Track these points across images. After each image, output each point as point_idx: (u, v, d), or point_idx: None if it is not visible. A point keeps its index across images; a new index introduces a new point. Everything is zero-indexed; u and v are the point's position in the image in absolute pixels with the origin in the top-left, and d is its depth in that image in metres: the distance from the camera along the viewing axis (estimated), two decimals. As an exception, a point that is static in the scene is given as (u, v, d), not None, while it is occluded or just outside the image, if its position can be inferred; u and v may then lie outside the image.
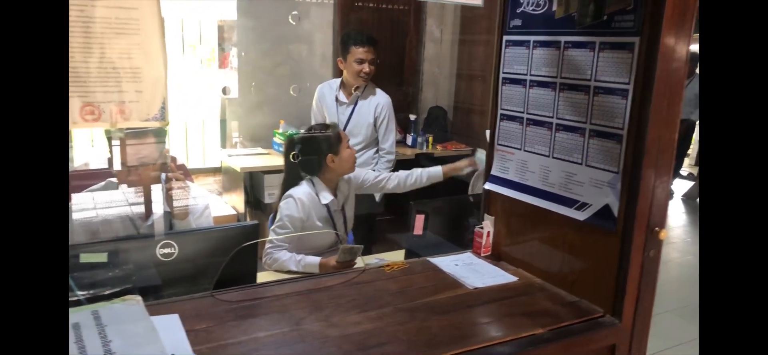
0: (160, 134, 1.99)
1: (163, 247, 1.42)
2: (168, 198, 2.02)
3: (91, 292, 1.32)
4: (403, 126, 5.03)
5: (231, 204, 4.22)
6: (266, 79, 4.46)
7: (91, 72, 1.18)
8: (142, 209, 2.04)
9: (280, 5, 4.39)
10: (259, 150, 4.37)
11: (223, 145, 4.50)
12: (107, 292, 1.33)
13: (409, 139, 4.86)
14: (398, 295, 1.47)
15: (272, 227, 2.26)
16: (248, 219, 4.11)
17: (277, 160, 4.13)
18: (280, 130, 4.35)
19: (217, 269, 1.46)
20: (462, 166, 2.67)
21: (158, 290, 1.41)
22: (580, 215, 1.46)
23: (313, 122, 3.67)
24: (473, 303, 1.45)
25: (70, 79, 1.17)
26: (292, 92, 4.21)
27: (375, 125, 3.34)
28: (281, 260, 2.15)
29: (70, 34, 1.15)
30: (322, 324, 1.30)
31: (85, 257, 1.35)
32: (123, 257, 1.39)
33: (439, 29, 5.19)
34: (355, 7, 4.75)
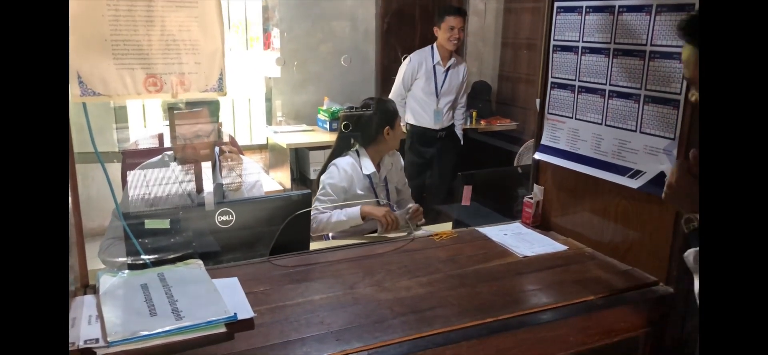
0: (214, 109, 2.05)
1: (221, 214, 1.48)
2: (221, 171, 2.08)
3: (156, 256, 1.39)
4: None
5: (277, 180, 4.31)
6: (309, 58, 4.50)
7: (153, 45, 1.23)
8: (195, 182, 2.12)
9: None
10: (304, 127, 4.44)
11: (269, 123, 4.58)
12: (170, 256, 1.40)
13: (453, 114, 4.83)
14: (448, 262, 1.48)
15: (316, 196, 2.31)
16: (294, 194, 4.19)
17: (322, 137, 4.19)
18: (324, 107, 4.41)
19: (272, 236, 1.51)
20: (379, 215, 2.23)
21: (217, 256, 1.47)
22: (634, 183, 1.43)
23: (397, 90, 3.89)
24: (523, 271, 1.46)
25: (134, 53, 1.23)
26: (343, 63, 4.30)
27: (460, 85, 3.93)
28: (325, 219, 2.20)
29: (134, 8, 1.21)
30: (374, 288, 1.33)
31: (149, 224, 1.42)
32: (184, 224, 1.45)
33: (483, 1, 5.10)
34: (397, -18, 4.73)
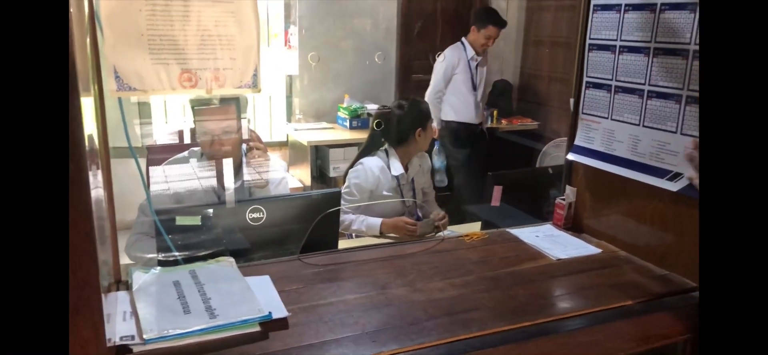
0: (240, 105, 2.05)
1: (252, 212, 1.47)
2: (249, 167, 2.07)
3: (187, 253, 1.39)
4: (468, 100, 4.98)
5: (298, 177, 4.31)
6: (330, 55, 4.50)
7: (189, 40, 1.22)
8: (224, 177, 2.11)
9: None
10: (324, 124, 4.43)
11: (289, 120, 4.58)
12: (201, 253, 1.39)
13: (473, 114, 4.80)
14: (480, 264, 1.46)
15: (342, 193, 2.31)
16: (314, 192, 4.19)
17: (342, 135, 4.18)
18: (345, 105, 4.40)
19: (302, 234, 1.50)
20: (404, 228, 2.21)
21: (248, 253, 1.46)
22: (673, 186, 1.40)
23: (437, 86, 3.93)
24: (557, 273, 1.43)
25: (169, 48, 1.22)
26: (376, 60, 4.33)
27: (485, 79, 4.08)
28: (346, 222, 2.20)
29: (170, 3, 1.20)
30: (407, 289, 1.31)
31: (181, 220, 1.41)
32: (214, 220, 1.44)
33: None
34: (419, -21, 4.70)
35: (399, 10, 4.66)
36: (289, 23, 4.48)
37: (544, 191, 1.89)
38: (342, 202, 2.28)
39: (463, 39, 3.94)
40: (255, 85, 1.30)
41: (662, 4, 1.39)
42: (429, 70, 5.03)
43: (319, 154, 4.26)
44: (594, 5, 1.58)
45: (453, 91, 3.91)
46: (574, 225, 1.72)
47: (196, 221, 1.42)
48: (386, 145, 2.36)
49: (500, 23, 3.88)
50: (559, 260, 1.49)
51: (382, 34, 4.67)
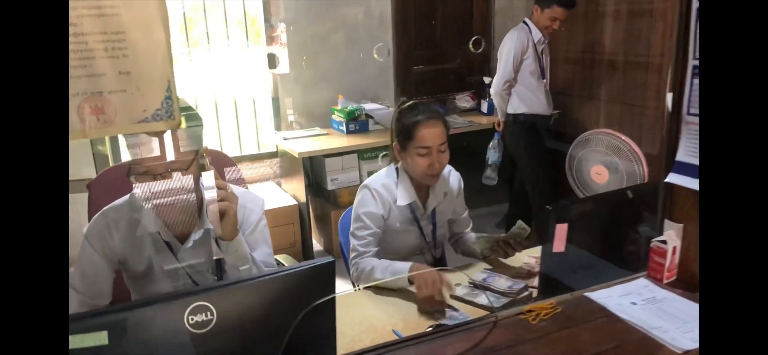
0: (193, 131, 1.49)
1: (193, 313, 0.92)
2: (212, 214, 1.52)
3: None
4: (477, 91, 4.42)
5: (291, 192, 3.78)
6: (319, 50, 3.94)
7: (41, 47, 0.68)
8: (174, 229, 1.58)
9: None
10: (317, 130, 3.88)
11: (278, 127, 4.03)
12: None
13: (485, 106, 4.26)
14: (564, 372, 0.92)
15: (350, 231, 1.76)
16: (310, 208, 3.66)
17: (338, 141, 3.64)
18: (339, 107, 3.85)
19: (280, 336, 0.95)
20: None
21: (190, 382, 0.92)
22: None
23: (506, 74, 3.39)
24: (693, 384, 0.89)
25: (9, 63, 0.67)
26: (376, 55, 3.76)
27: None
28: (367, 270, 1.64)
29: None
30: None
31: (77, 341, 0.86)
32: (133, 330, 0.90)
33: (512, -25, 4.49)
34: (414, -41, 4.15)
35: (393, -6, 4.10)
36: (277, 21, 3.91)
37: (624, 224, 1.34)
38: (355, 243, 1.73)
39: (527, 20, 3.40)
40: (170, 116, 0.75)
41: None
42: (431, 61, 4.49)
43: (314, 165, 3.72)
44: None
45: (521, 79, 3.38)
46: (679, 277, 1.18)
47: (101, 339, 0.88)
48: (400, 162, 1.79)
49: (568, 2, 3.28)
50: (687, 353, 0.95)
51: (376, 23, 4.11)
